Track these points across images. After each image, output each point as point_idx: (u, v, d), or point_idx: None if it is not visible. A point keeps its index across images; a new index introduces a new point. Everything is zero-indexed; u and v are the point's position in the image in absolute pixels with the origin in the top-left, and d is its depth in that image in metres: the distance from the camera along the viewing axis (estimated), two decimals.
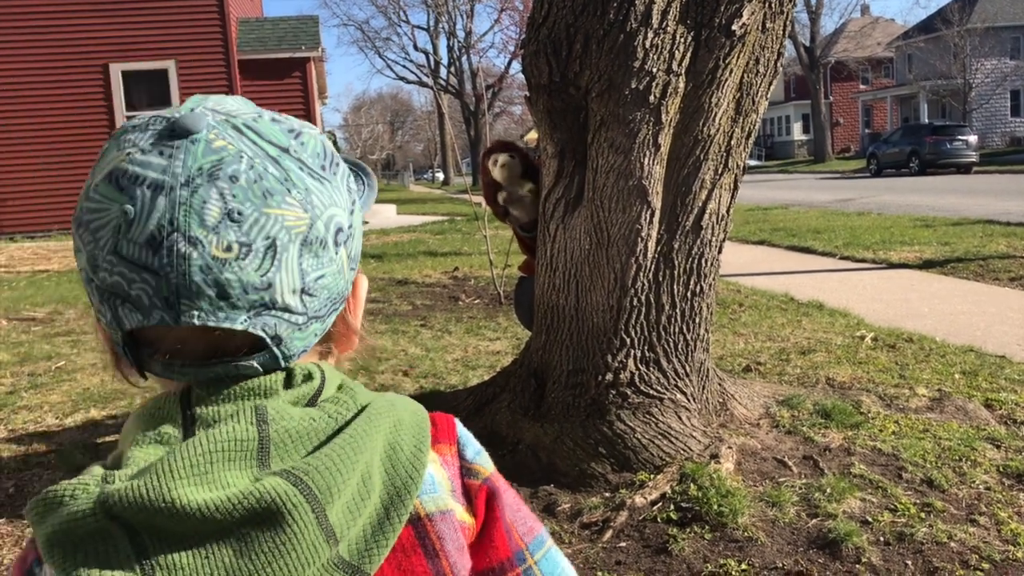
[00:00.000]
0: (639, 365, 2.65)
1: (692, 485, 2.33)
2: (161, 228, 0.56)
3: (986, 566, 2.00)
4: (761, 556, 2.07)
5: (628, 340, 2.64)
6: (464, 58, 42.54)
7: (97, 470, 0.56)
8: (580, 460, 2.53)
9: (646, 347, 2.66)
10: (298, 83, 16.36)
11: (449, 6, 41.23)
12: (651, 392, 2.64)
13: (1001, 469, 2.56)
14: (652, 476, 2.43)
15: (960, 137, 25.90)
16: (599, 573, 2.02)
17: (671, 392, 2.67)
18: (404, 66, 46.16)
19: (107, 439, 3.24)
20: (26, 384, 4.18)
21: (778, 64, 2.69)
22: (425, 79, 44.42)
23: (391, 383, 3.78)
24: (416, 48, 45.42)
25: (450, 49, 43.13)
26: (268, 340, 0.60)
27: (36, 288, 8.17)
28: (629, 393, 2.62)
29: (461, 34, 42.53)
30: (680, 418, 2.63)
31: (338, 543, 0.57)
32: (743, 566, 2.02)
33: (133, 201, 0.58)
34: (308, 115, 16.37)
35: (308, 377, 0.63)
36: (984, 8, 38.52)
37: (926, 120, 35.71)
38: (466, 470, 0.69)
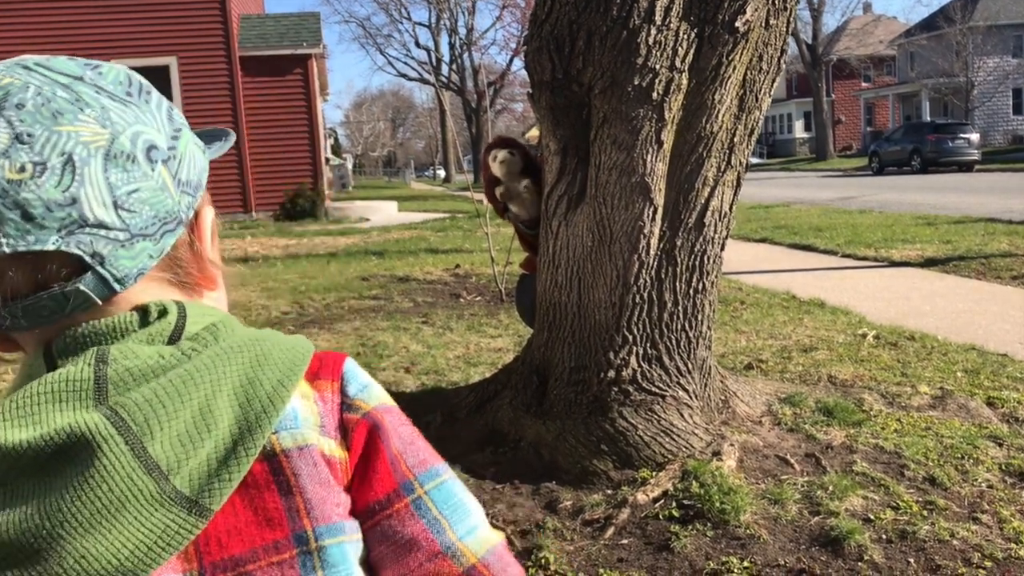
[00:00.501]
0: (641, 362, 2.65)
1: (694, 482, 2.33)
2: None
3: (988, 564, 2.00)
4: (763, 554, 2.07)
5: (630, 337, 2.64)
6: (466, 55, 42.54)
7: None
8: (582, 457, 2.53)
9: (648, 344, 2.66)
10: (299, 80, 16.35)
11: (451, 3, 41.21)
12: (653, 389, 2.64)
13: (1003, 467, 2.55)
14: (654, 473, 2.43)
15: (962, 135, 25.88)
16: (601, 570, 2.02)
17: (673, 389, 2.67)
18: (406, 63, 46.23)
19: None
20: None
21: (781, 61, 2.69)
22: (427, 76, 44.40)
23: (392, 380, 3.78)
24: (418, 45, 45.42)
25: (452, 46, 43.11)
26: (88, 259, 0.58)
27: None
28: (631, 390, 2.62)
29: (463, 31, 42.53)
30: (682, 415, 2.63)
31: (167, 477, 0.56)
32: (745, 563, 2.02)
33: None
34: (309, 112, 16.38)
35: (163, 313, 0.62)
36: (986, 6, 38.45)
37: (928, 118, 35.67)
38: (346, 406, 0.67)
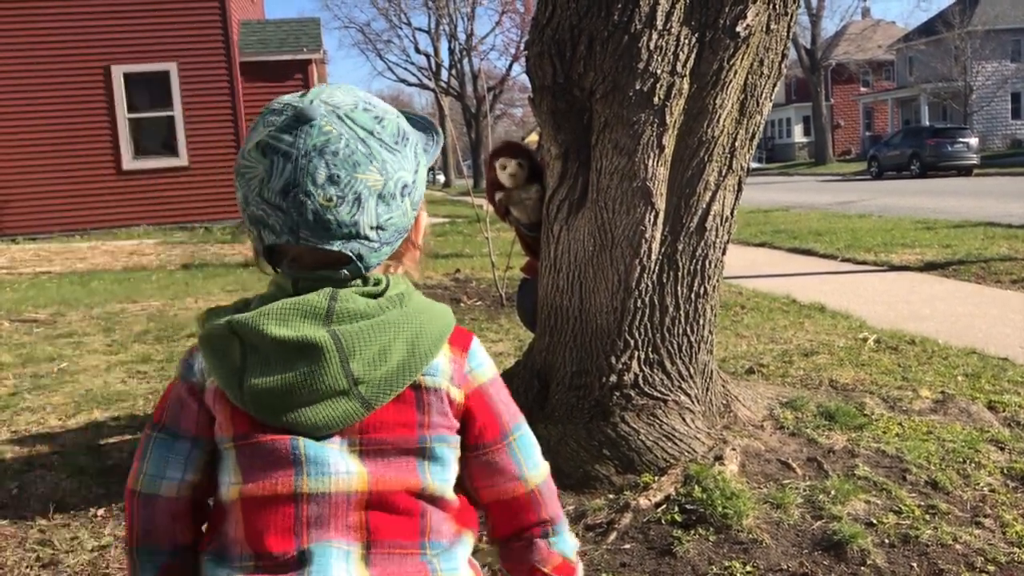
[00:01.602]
0: (643, 367, 2.65)
1: (696, 487, 2.33)
2: (288, 184, 0.90)
3: (991, 568, 1.99)
4: (766, 558, 2.06)
5: (632, 342, 2.64)
6: (465, 60, 42.59)
7: (230, 308, 0.95)
8: (584, 462, 2.52)
9: (650, 349, 2.66)
10: (300, 85, 16.34)
11: (450, 9, 41.27)
12: (655, 394, 2.64)
13: (1005, 471, 2.55)
14: (656, 478, 2.43)
15: (961, 140, 25.90)
16: (603, 575, 2.02)
17: (675, 394, 2.67)
18: (405, 68, 46.21)
19: (110, 440, 3.24)
20: (29, 385, 4.17)
21: (782, 66, 2.69)
22: (426, 81, 44.46)
23: None
24: (417, 50, 45.47)
25: (451, 51, 43.17)
26: (354, 257, 0.93)
27: (38, 290, 8.17)
28: (633, 395, 2.62)
29: (462, 36, 42.59)
30: (684, 420, 2.63)
31: (356, 384, 0.91)
32: (748, 568, 2.01)
33: (272, 164, 0.90)
34: None
35: (377, 283, 0.96)
36: (985, 11, 38.53)
37: (927, 122, 35.73)
38: (468, 369, 1.01)
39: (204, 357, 0.95)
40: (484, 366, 1.03)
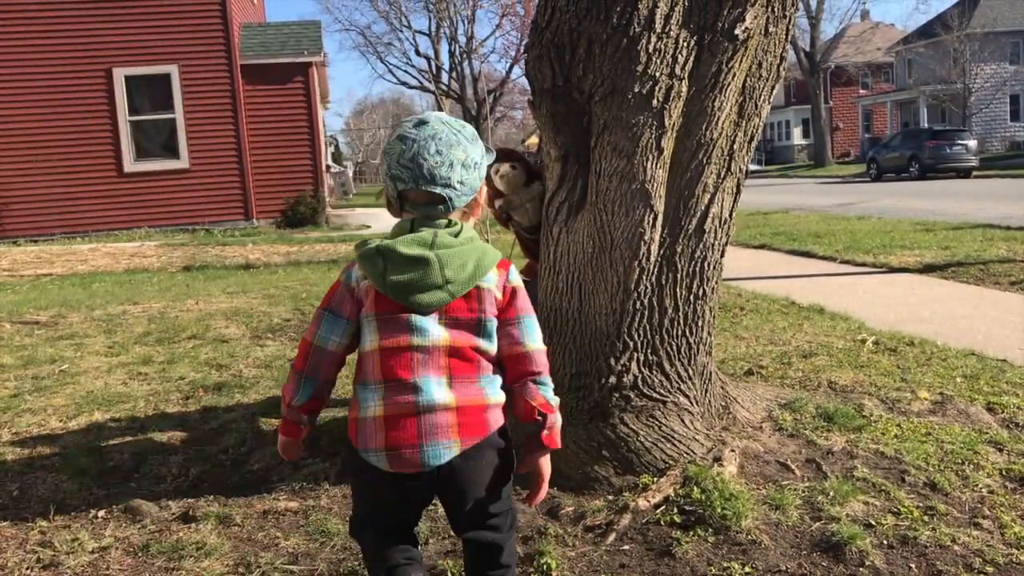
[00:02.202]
0: (642, 368, 2.66)
1: (695, 488, 2.34)
2: (414, 155, 1.56)
3: (990, 569, 2.00)
4: (764, 559, 2.07)
5: (631, 343, 2.65)
6: (466, 63, 42.60)
7: (375, 240, 1.59)
8: (583, 463, 2.53)
9: (649, 350, 2.67)
10: (300, 88, 16.37)
11: (450, 11, 41.30)
12: (654, 395, 2.65)
13: (1004, 472, 2.56)
14: (655, 479, 2.44)
15: (960, 141, 25.91)
16: None
17: (674, 395, 2.68)
18: (406, 71, 46.24)
19: (110, 441, 3.24)
20: (30, 387, 4.18)
21: (781, 68, 2.70)
22: (427, 84, 44.47)
23: None
24: (418, 53, 45.52)
25: (451, 54, 43.18)
26: (447, 197, 1.58)
27: (39, 292, 8.18)
28: (632, 396, 2.63)
29: (463, 39, 42.60)
30: (683, 421, 2.63)
31: (448, 282, 1.56)
32: (746, 569, 2.02)
33: (405, 144, 1.58)
34: (310, 119, 16.40)
35: (457, 226, 1.60)
36: (984, 13, 38.56)
37: (926, 125, 35.73)
38: (508, 280, 1.64)
39: (360, 267, 1.60)
40: (516, 281, 1.67)
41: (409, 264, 1.55)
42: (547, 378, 1.65)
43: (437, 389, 1.55)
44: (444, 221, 1.59)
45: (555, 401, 1.64)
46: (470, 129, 1.66)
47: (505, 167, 2.82)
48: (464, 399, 1.57)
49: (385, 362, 1.56)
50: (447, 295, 1.56)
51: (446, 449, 1.54)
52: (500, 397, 1.62)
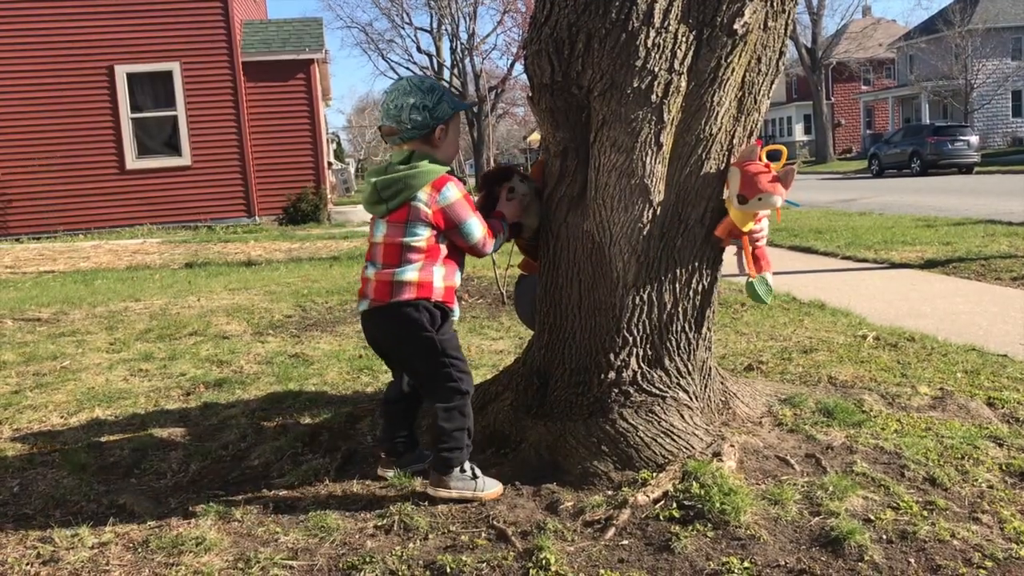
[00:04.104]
0: (641, 364, 2.66)
1: (695, 483, 2.34)
2: (384, 102, 2.46)
3: (989, 564, 2.00)
4: (764, 554, 2.07)
5: (630, 339, 2.65)
6: (467, 60, 42.51)
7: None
8: (583, 458, 2.53)
9: (648, 346, 2.67)
10: (302, 85, 16.37)
11: (452, 8, 41.22)
12: (653, 390, 2.65)
13: (1004, 467, 2.56)
14: (654, 474, 2.44)
15: (962, 138, 25.88)
16: (602, 571, 2.02)
17: (673, 390, 2.68)
18: (407, 68, 46.04)
19: (111, 438, 3.25)
20: (31, 384, 4.19)
21: (780, 63, 2.70)
22: None
23: None
24: (419, 50, 45.39)
25: (453, 51, 43.10)
26: (398, 129, 2.40)
27: (41, 288, 8.19)
28: (632, 391, 2.63)
29: (464, 36, 42.52)
30: (682, 416, 2.63)
31: (385, 201, 2.37)
32: (745, 564, 2.02)
33: (385, 95, 2.49)
34: (311, 116, 16.40)
35: (408, 156, 2.39)
36: (985, 9, 38.47)
37: (928, 121, 35.68)
38: (437, 199, 2.35)
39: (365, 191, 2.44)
40: (448, 198, 2.34)
41: (367, 186, 2.41)
42: (485, 248, 2.47)
43: (371, 268, 2.41)
44: (402, 153, 2.39)
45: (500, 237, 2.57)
46: (429, 83, 2.42)
47: (518, 183, 2.76)
48: (378, 276, 2.38)
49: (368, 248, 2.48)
50: (385, 208, 2.36)
51: (363, 303, 2.44)
52: (408, 277, 2.34)
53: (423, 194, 2.31)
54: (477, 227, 2.40)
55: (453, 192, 2.34)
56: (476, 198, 2.63)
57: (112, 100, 15.33)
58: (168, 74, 15.51)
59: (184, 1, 15.47)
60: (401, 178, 2.32)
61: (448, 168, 2.43)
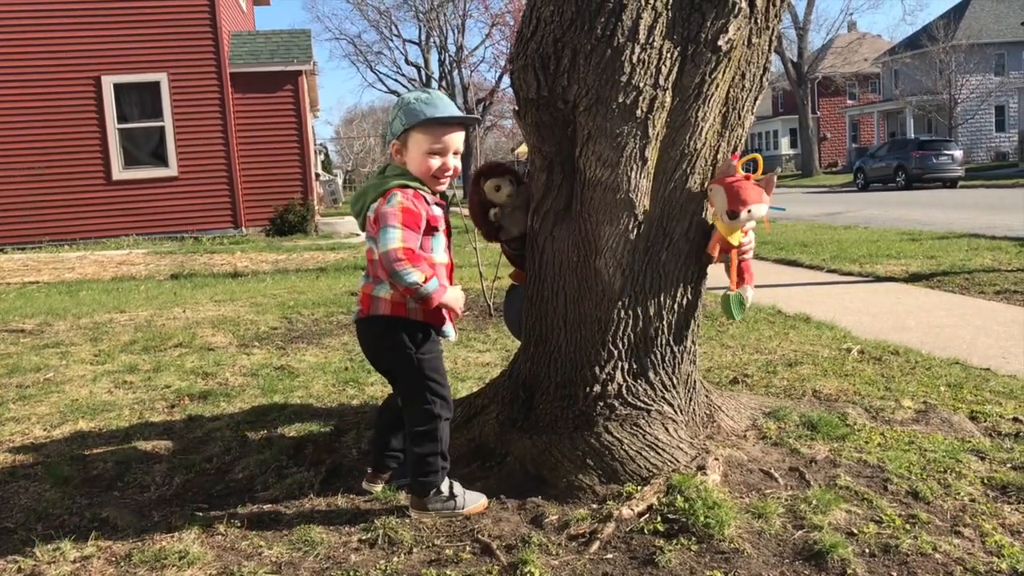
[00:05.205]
0: (626, 377, 2.67)
1: (679, 497, 2.34)
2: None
3: None
4: (747, 568, 2.08)
5: (616, 352, 2.66)
6: (455, 72, 42.66)
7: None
8: (568, 472, 2.53)
9: (633, 359, 2.68)
10: (290, 96, 16.37)
11: (440, 21, 41.39)
12: (638, 404, 2.65)
13: (986, 481, 2.57)
14: (639, 488, 2.44)
15: (946, 152, 26.15)
16: None
17: (658, 404, 2.68)
18: (396, 80, 46.21)
19: (94, 450, 3.22)
20: (14, 395, 4.15)
21: (764, 79, 2.72)
22: None
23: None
24: (408, 62, 45.54)
25: (441, 63, 43.25)
26: (391, 137, 2.47)
27: (25, 299, 8.13)
28: (616, 405, 2.64)
29: (452, 48, 42.69)
30: (667, 430, 2.64)
31: (359, 214, 2.44)
32: None
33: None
34: (299, 128, 16.39)
35: (385, 168, 2.45)
36: (969, 25, 38.97)
37: (912, 135, 36.04)
38: (373, 209, 2.34)
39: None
40: (389, 205, 2.27)
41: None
42: (396, 274, 2.24)
43: (363, 279, 2.45)
44: (383, 165, 2.48)
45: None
46: (407, 97, 2.43)
47: (505, 182, 2.82)
48: (364, 288, 2.43)
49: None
50: (362, 220, 2.42)
51: (354, 313, 2.50)
52: (383, 294, 2.36)
53: (376, 204, 2.32)
54: (395, 238, 2.21)
55: (394, 200, 2.27)
56: (465, 203, 2.81)
57: (99, 110, 15.27)
58: (155, 85, 15.48)
59: (172, 12, 15.46)
60: (364, 189, 2.41)
61: (416, 181, 2.37)
